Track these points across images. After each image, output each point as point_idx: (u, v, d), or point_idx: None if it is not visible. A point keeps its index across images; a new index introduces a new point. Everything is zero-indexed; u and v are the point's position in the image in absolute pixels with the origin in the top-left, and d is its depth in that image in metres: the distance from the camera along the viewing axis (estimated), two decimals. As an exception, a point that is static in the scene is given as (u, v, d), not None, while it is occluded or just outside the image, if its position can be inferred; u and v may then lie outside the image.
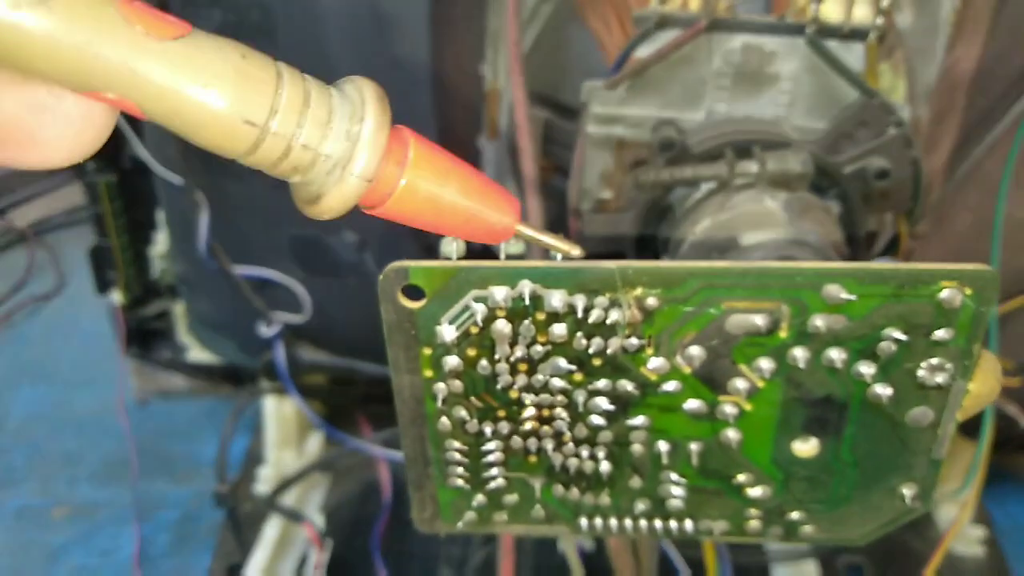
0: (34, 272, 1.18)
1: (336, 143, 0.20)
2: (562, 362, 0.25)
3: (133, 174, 0.69)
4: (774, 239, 0.29)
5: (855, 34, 0.34)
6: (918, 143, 0.35)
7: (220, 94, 0.18)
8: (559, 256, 0.24)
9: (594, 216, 0.36)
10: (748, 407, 0.25)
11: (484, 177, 0.24)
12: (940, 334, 0.23)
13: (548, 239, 0.25)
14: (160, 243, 0.72)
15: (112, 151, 0.68)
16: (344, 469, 0.80)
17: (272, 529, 0.70)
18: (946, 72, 0.39)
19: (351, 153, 0.20)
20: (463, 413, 0.26)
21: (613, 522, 0.28)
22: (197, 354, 0.80)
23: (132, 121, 0.61)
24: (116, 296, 0.74)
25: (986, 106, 0.42)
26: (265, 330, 0.64)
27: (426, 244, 0.62)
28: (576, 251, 0.26)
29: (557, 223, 0.40)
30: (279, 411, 0.75)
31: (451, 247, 0.25)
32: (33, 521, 0.75)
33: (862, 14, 0.35)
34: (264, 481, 0.76)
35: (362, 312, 0.67)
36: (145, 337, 0.80)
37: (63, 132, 0.17)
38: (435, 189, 0.22)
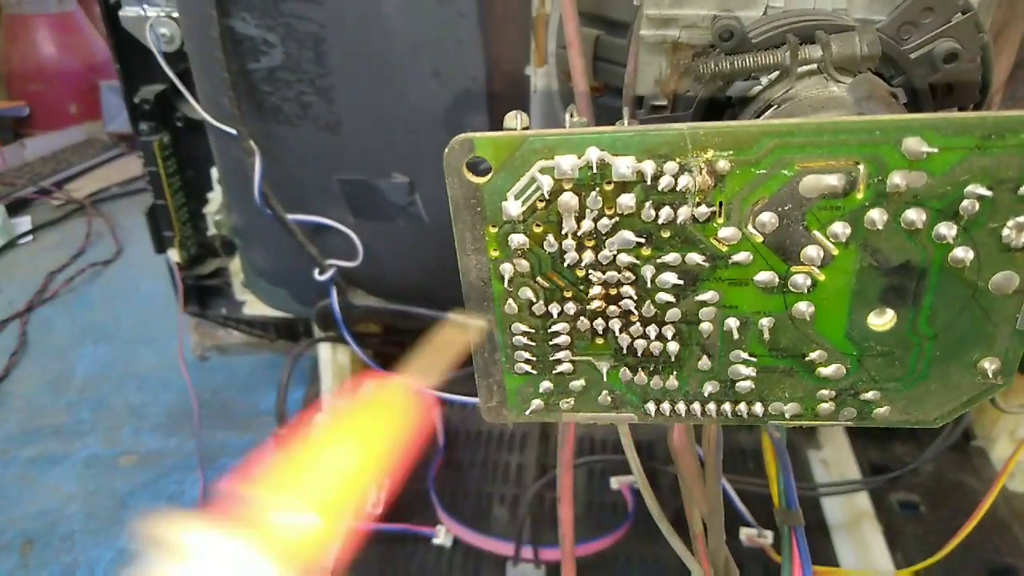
0: (93, 240, 1.22)
1: None
2: (629, 235, 0.25)
3: (186, 133, 0.71)
4: (841, 119, 0.29)
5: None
6: (986, 29, 0.33)
7: None
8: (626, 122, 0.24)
9: (649, 119, 0.36)
10: (821, 277, 0.25)
11: None
12: (1027, 188, 0.22)
13: None
14: (214, 200, 0.73)
15: (165, 111, 0.69)
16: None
17: (331, 472, 0.71)
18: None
19: None
20: (529, 294, 0.26)
21: (681, 406, 0.28)
22: (253, 309, 0.82)
23: (184, 78, 0.62)
24: (173, 254, 0.76)
25: None
26: (319, 276, 0.65)
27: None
28: None
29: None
30: (335, 358, 0.76)
31: (515, 120, 0.25)
32: (102, 469, 0.78)
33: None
34: (321, 428, 0.77)
35: (413, 255, 0.68)
36: (202, 295, 0.82)
37: None
38: None
